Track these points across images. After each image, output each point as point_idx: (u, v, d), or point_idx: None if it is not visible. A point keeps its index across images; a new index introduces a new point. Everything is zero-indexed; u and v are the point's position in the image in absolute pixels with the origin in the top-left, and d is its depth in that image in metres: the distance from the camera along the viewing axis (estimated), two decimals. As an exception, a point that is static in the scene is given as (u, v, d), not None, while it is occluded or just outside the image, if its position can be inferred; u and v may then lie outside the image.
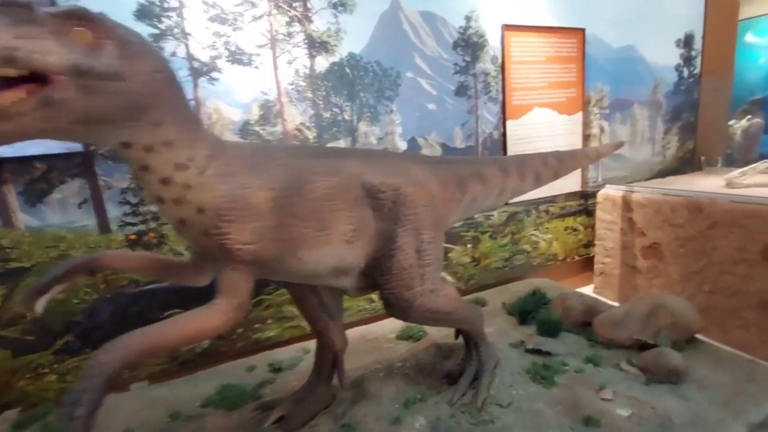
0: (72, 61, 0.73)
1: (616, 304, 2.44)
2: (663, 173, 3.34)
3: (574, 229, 3.06)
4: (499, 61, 2.52)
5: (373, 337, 2.12)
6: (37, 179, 1.71)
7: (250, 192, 1.00)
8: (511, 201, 2.72)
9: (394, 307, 1.29)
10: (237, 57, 1.90)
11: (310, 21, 2.01)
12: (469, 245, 2.63)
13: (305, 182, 1.09)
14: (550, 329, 2.01)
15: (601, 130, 3.02)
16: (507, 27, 2.49)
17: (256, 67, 1.93)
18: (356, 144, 2.21)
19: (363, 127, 2.21)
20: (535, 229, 2.89)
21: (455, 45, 2.39)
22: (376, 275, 1.26)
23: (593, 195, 3.02)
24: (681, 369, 1.63)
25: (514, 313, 2.24)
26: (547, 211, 2.92)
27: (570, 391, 1.59)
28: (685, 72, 3.36)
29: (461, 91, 2.44)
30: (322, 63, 2.07)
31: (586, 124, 2.92)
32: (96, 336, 1.85)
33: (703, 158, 3.53)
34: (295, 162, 1.12)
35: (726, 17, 3.49)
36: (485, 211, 2.62)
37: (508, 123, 2.60)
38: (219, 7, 1.84)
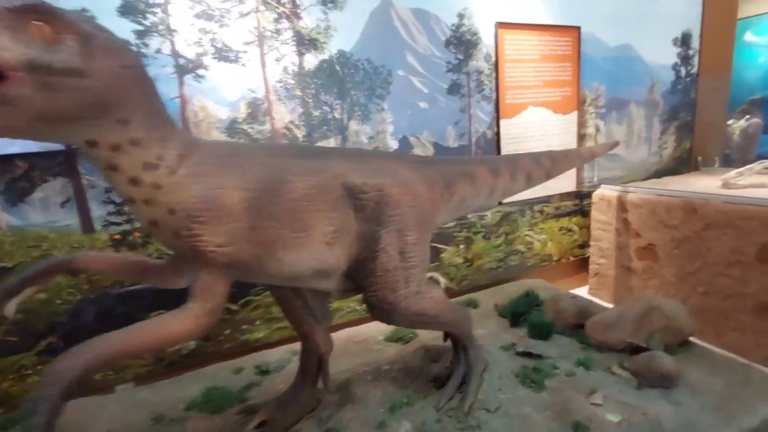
0: (28, 56, 0.70)
1: (610, 305, 2.41)
2: (659, 173, 3.31)
3: (569, 230, 3.03)
4: (493, 59, 2.49)
5: (362, 338, 2.10)
6: (19, 178, 1.68)
7: (224, 192, 0.97)
8: (505, 201, 2.70)
9: (377, 310, 1.26)
10: (224, 54, 1.86)
11: (298, 18, 1.97)
12: (462, 246, 2.60)
13: (283, 182, 1.06)
14: (542, 331, 1.99)
15: (597, 129, 2.99)
16: (501, 25, 2.45)
17: (244, 65, 1.90)
18: (347, 143, 2.18)
19: (353, 125, 2.18)
20: (529, 230, 2.86)
21: (448, 43, 2.35)
22: (359, 278, 1.23)
23: (588, 195, 2.98)
24: (673, 373, 1.60)
25: (506, 315, 2.21)
26: (541, 212, 2.89)
27: (559, 396, 1.57)
28: (683, 71, 3.32)
29: (454, 89, 2.41)
30: (312, 60, 2.03)
31: (582, 124, 2.89)
32: (80, 337, 1.79)
33: (700, 158, 3.50)
34: (273, 161, 1.09)
35: (724, 15, 3.46)
36: (476, 212, 2.59)
37: (502, 122, 2.56)
38: (205, 4, 1.81)
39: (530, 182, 1.87)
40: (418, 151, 2.36)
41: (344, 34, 2.08)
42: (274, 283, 1.19)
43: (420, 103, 2.33)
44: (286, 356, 1.99)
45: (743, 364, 1.71)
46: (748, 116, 4.52)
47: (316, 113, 2.08)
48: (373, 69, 2.18)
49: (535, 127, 2.70)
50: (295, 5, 1.96)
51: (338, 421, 1.47)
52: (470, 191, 1.59)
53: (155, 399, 1.79)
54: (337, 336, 2.18)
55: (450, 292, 2.59)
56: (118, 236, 1.83)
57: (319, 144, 2.11)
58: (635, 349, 1.79)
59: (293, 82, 2.01)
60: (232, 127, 1.92)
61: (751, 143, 4.47)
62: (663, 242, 2.47)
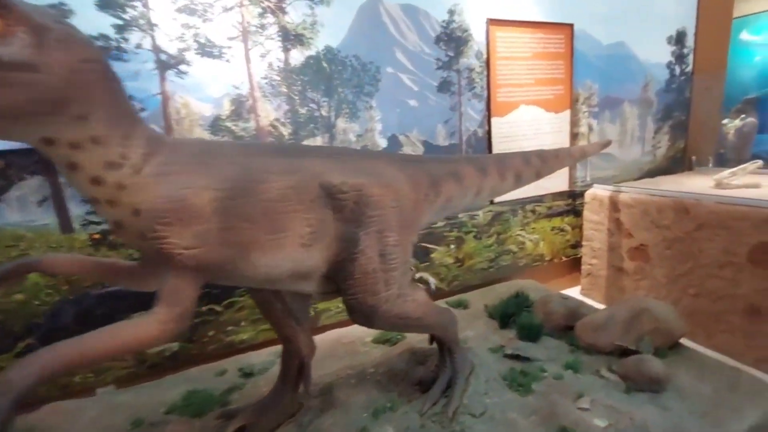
0: None
1: (602, 306, 2.38)
2: (653, 173, 3.29)
3: (562, 230, 3.01)
4: (484, 56, 2.45)
5: (350, 340, 2.06)
6: (-6, 176, 1.63)
7: (192, 192, 0.93)
8: (497, 200, 2.67)
9: (357, 314, 1.23)
10: (207, 49, 1.82)
11: (284, 12, 1.93)
12: (452, 245, 2.57)
13: (257, 182, 1.02)
14: (531, 333, 1.96)
15: (590, 128, 2.96)
16: (492, 21, 2.42)
17: (228, 61, 1.86)
18: (334, 141, 2.14)
19: (341, 123, 2.14)
20: (521, 229, 2.83)
21: (438, 39, 2.31)
22: (339, 280, 1.20)
23: (581, 195, 2.96)
24: (662, 377, 1.58)
25: (495, 317, 2.18)
26: (533, 211, 2.86)
27: (546, 400, 1.54)
28: (677, 70, 3.29)
29: (444, 87, 2.37)
30: (298, 57, 1.99)
31: (574, 123, 2.86)
32: (59, 338, 1.76)
33: (694, 158, 3.47)
34: (247, 160, 1.05)
35: (720, 14, 3.43)
36: (464, 212, 2.55)
37: (494, 120, 2.53)
38: (187, -3, 1.76)
39: (520, 182, 1.83)
40: (407, 149, 2.32)
41: (331, 30, 2.03)
42: (250, 285, 1.16)
43: (409, 100, 2.29)
44: (271, 358, 1.96)
45: (733, 367, 1.69)
46: (743, 115, 4.50)
47: (303, 111, 2.04)
48: (362, 66, 2.14)
49: (527, 126, 2.66)
50: (280, 0, 1.91)
51: (319, 427, 1.44)
52: (457, 191, 1.56)
53: (136, 402, 1.75)
54: (325, 337, 2.15)
55: (440, 293, 2.57)
56: (97, 236, 1.78)
57: (306, 142, 2.07)
58: (624, 352, 1.77)
59: (279, 78, 1.97)
60: (215, 124, 1.88)
61: (745, 143, 4.45)
62: (655, 243, 2.44)
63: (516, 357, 1.82)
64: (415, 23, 2.24)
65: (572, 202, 3.01)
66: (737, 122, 4.49)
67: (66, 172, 0.87)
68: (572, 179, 2.95)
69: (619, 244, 2.68)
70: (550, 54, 2.66)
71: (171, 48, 1.77)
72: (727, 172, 2.55)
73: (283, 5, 1.92)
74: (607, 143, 2.37)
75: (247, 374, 1.87)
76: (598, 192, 2.79)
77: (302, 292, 1.27)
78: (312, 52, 2.01)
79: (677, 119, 3.39)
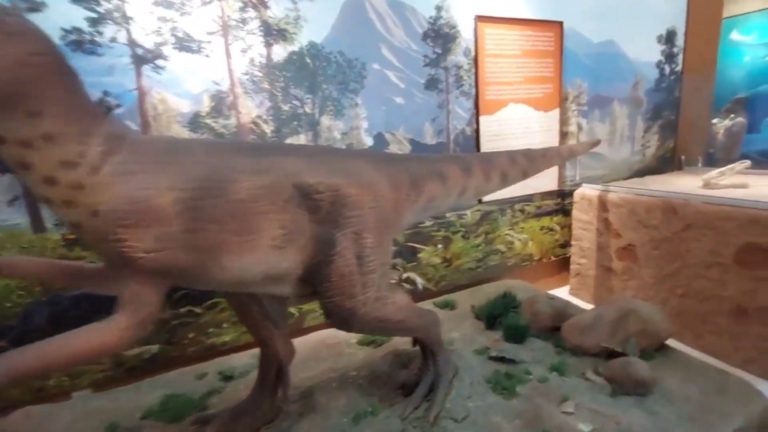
0: None
1: (590, 306, 2.37)
2: (642, 172, 3.28)
3: (551, 229, 2.99)
4: (472, 53, 2.41)
5: (335, 341, 2.02)
6: (-38, 174, 1.57)
7: (155, 193, 0.88)
8: (485, 200, 2.64)
9: (334, 318, 1.19)
10: (185, 44, 1.76)
11: (266, 7, 1.88)
12: (440, 245, 2.54)
13: (226, 182, 0.98)
14: (517, 335, 1.93)
15: (579, 127, 2.94)
16: (480, 18, 2.38)
17: (207, 56, 1.80)
18: (318, 139, 2.09)
19: (326, 121, 2.09)
20: (510, 229, 2.81)
21: (425, 36, 2.27)
22: (315, 283, 1.16)
23: (570, 194, 2.94)
24: (648, 380, 1.56)
25: (482, 317, 2.15)
26: (522, 211, 2.84)
27: (531, 403, 1.51)
28: (667, 69, 3.28)
29: (431, 84, 2.33)
30: (280, 52, 1.94)
31: (564, 121, 2.84)
32: (31, 341, 1.72)
33: (683, 157, 3.47)
34: (216, 159, 1.01)
35: (710, 13, 3.42)
36: (448, 212, 2.51)
37: (482, 119, 2.50)
38: (164, -10, 1.70)
39: (506, 181, 1.81)
40: (394, 148, 2.28)
41: (315, 25, 1.99)
42: (222, 289, 1.11)
43: (396, 98, 2.25)
44: (252, 361, 1.91)
45: (719, 370, 1.67)
46: (732, 115, 4.51)
47: (286, 108, 2.00)
48: (347, 62, 2.09)
49: (516, 125, 2.63)
50: (262, -7, 1.86)
51: (297, 432, 1.40)
52: (440, 191, 1.53)
53: (111, 407, 1.70)
54: (309, 339, 2.11)
55: (428, 293, 2.54)
56: (71, 236, 1.73)
57: (290, 140, 2.03)
58: (611, 354, 1.75)
59: (261, 74, 1.92)
60: (194, 121, 1.83)
61: (735, 142, 4.46)
62: (642, 243, 2.43)
63: (501, 359, 1.80)
64: (402, 19, 2.20)
65: (561, 202, 2.99)
66: (727, 122, 4.50)
67: (18, 172, 0.82)
68: (561, 178, 2.93)
69: (607, 243, 2.66)
70: (539, 52, 2.63)
71: (147, 42, 1.71)
72: (715, 171, 2.54)
73: (265, -1, 1.87)
74: (596, 142, 2.35)
75: (227, 377, 1.82)
76: (587, 191, 2.78)
77: (278, 295, 1.23)
78: (295, 47, 1.96)
79: (667, 119, 3.38)
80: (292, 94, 2.00)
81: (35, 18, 1.56)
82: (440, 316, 2.22)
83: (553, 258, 3.06)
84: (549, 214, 2.96)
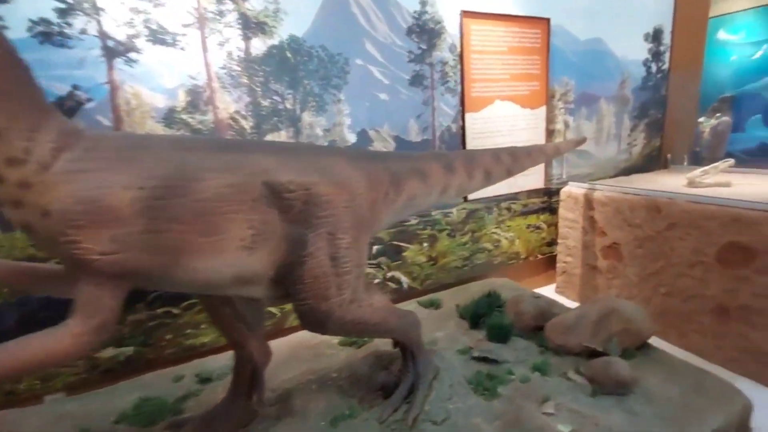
0: None
1: (576, 304, 2.36)
2: (628, 171, 3.28)
3: (537, 227, 2.98)
4: (458, 49, 2.38)
5: (316, 342, 1.99)
6: None
7: (110, 192, 0.84)
8: (471, 198, 2.61)
9: (308, 320, 1.16)
10: (159, 37, 1.71)
11: (244, -1, 1.83)
12: (425, 244, 2.51)
13: (190, 180, 0.93)
14: (500, 334, 1.92)
15: (566, 125, 2.92)
16: (466, 13, 2.35)
17: (182, 49, 1.75)
18: (300, 135, 2.05)
19: (307, 117, 2.05)
20: (496, 227, 2.79)
21: (409, 31, 2.23)
22: (288, 284, 1.12)
23: (557, 192, 2.93)
24: (628, 380, 1.55)
25: (466, 317, 2.13)
26: (509, 209, 2.82)
27: (512, 404, 1.50)
28: (654, 67, 3.28)
29: (416, 80, 2.29)
30: (259, 46, 1.89)
31: (550, 119, 2.82)
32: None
33: (669, 156, 3.48)
34: (181, 157, 0.96)
35: (696, 12, 3.43)
36: (431, 209, 2.48)
37: (467, 116, 2.47)
38: (137, -20, 1.64)
39: (489, 180, 1.78)
40: (378, 145, 2.25)
41: (296, 19, 1.94)
42: (189, 291, 1.07)
43: (380, 94, 2.21)
44: (232, 363, 1.86)
45: (700, 369, 1.67)
46: (719, 114, 4.54)
47: (266, 103, 1.95)
48: (329, 57, 2.05)
49: (502, 122, 2.61)
50: (240, -15, 1.81)
51: (273, 437, 1.37)
52: (421, 189, 1.49)
53: (84, 410, 1.66)
54: (290, 339, 2.08)
55: (413, 292, 2.51)
56: (40, 235, 1.66)
57: (270, 137, 1.98)
58: (593, 353, 1.74)
59: (239, 68, 1.87)
60: (169, 116, 1.77)
61: (720, 141, 4.49)
62: (627, 241, 2.42)
63: (484, 359, 1.78)
64: (386, 13, 2.16)
65: (548, 200, 2.98)
66: (713, 121, 4.53)
67: None
68: (548, 176, 2.92)
69: (593, 242, 2.66)
70: (525, 49, 2.60)
71: (119, 34, 1.65)
72: (699, 170, 2.54)
73: (243, -9, 1.82)
74: (582, 140, 2.33)
75: (204, 380, 1.78)
76: (573, 190, 2.77)
77: (250, 297, 1.19)
78: (275, 41, 1.91)
79: (653, 117, 3.39)
80: (272, 89, 1.95)
81: (2, 9, 1.50)
82: (425, 316, 2.23)
83: (539, 256, 3.05)
84: (536, 212, 2.95)
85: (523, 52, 2.60)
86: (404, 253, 2.45)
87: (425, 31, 2.27)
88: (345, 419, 1.42)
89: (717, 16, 4.84)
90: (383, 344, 1.87)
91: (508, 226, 2.84)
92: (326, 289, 1.11)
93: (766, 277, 1.84)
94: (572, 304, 2.29)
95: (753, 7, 4.99)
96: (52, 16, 1.56)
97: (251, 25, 1.86)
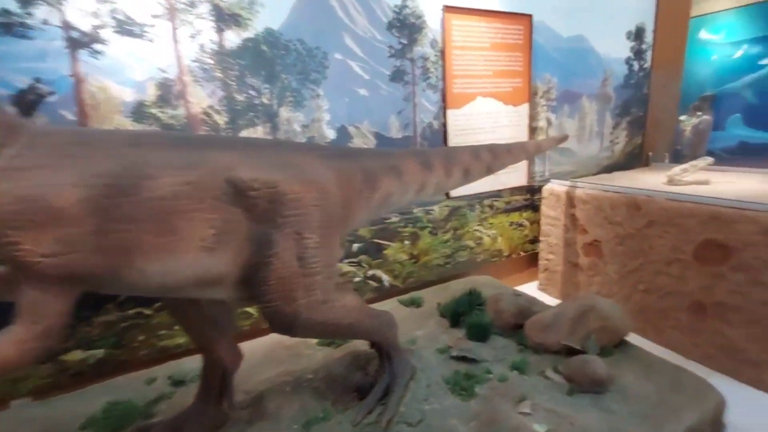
0: None
1: (558, 302, 2.36)
2: (610, 168, 3.30)
3: (520, 225, 2.97)
4: (440, 45, 2.35)
5: (293, 342, 1.95)
6: None
7: (52, 191, 0.79)
8: (454, 195, 2.60)
9: (275, 323, 1.12)
10: (126, 27, 1.64)
11: (217, -10, 1.77)
12: (407, 241, 2.49)
13: (142, 177, 0.89)
14: (480, 333, 1.90)
15: (549, 122, 2.92)
16: (448, 9, 2.32)
17: (151, 40, 1.69)
18: (277, 131, 2.00)
19: (285, 112, 2.00)
20: (479, 225, 2.78)
21: (390, 25, 2.20)
22: (253, 286, 1.08)
23: (540, 190, 2.92)
24: (605, 378, 1.55)
25: (446, 315, 2.12)
26: (491, 206, 2.81)
27: (488, 404, 1.48)
28: (636, 65, 3.30)
29: (397, 76, 2.26)
30: (234, 39, 1.83)
31: (533, 116, 2.81)
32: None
33: (650, 154, 3.51)
34: (136, 153, 0.91)
35: (677, 11, 3.45)
36: (408, 207, 2.44)
37: (449, 112, 2.44)
38: (102, -32, 1.58)
39: (468, 177, 1.76)
40: (358, 141, 2.21)
41: (272, 11, 1.89)
42: (148, 295, 1.03)
43: (360, 90, 2.17)
44: (205, 365, 1.83)
45: (676, 366, 1.68)
46: (699, 113, 4.59)
47: (241, 98, 1.89)
48: (307, 51, 2.00)
49: (485, 119, 2.59)
50: (212, -25, 1.75)
51: (243, 442, 1.33)
52: (397, 187, 1.46)
53: (51, 415, 1.60)
54: (267, 340, 2.03)
55: (394, 290, 2.49)
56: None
57: (245, 132, 1.93)
58: (571, 351, 1.73)
59: (212, 62, 1.81)
60: (138, 110, 1.71)
61: (701, 140, 4.54)
62: (608, 239, 2.43)
63: (463, 358, 1.76)
64: (365, 7, 2.12)
65: (531, 197, 2.97)
66: (694, 119, 4.58)
67: None
68: (531, 174, 2.92)
69: (574, 239, 2.66)
70: (508, 45, 2.59)
71: (83, 25, 1.58)
72: (678, 168, 2.56)
73: (216, -19, 1.76)
74: (564, 138, 2.33)
75: (178, 382, 1.73)
76: (555, 187, 2.77)
77: (216, 299, 1.15)
78: (250, 34, 1.86)
79: (635, 115, 3.41)
80: (247, 83, 1.90)
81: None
82: (405, 314, 2.21)
83: (522, 253, 3.05)
84: (518, 209, 2.94)
85: (506, 49, 2.58)
86: (385, 251, 2.43)
87: (406, 25, 2.24)
88: (318, 422, 1.39)
89: (698, 16, 4.89)
90: (361, 344, 1.84)
91: (491, 224, 2.83)
92: (292, 291, 1.07)
93: (740, 274, 1.86)
94: (554, 302, 2.30)
95: (734, 8, 5.06)
96: (13, 6, 1.49)
97: (225, 17, 1.80)
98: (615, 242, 2.39)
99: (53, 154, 0.82)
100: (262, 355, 1.88)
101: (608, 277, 2.46)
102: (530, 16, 2.63)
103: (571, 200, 2.65)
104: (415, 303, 2.34)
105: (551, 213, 2.80)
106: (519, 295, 2.21)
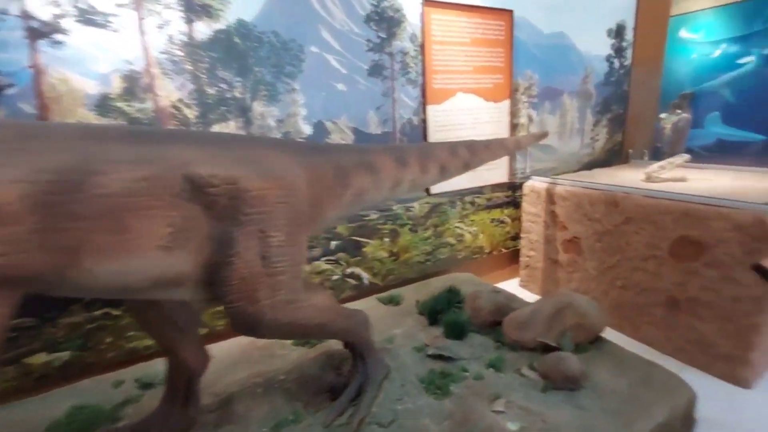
0: None
1: (537, 298, 2.36)
2: (591, 165, 3.32)
3: (501, 221, 2.97)
4: (419, 39, 2.32)
5: (267, 343, 1.91)
6: None
7: None
8: (434, 191, 2.58)
9: (238, 324, 1.08)
10: (88, 17, 1.57)
11: (186, -21, 1.71)
12: (386, 239, 2.46)
13: (92, 173, 0.84)
14: (456, 331, 1.89)
15: (530, 119, 2.92)
16: (427, 2, 2.29)
17: (116, 31, 1.62)
18: (251, 126, 1.95)
19: (258, 107, 1.95)
20: (460, 221, 2.76)
21: (368, 19, 2.16)
22: (215, 286, 1.04)
23: (521, 186, 2.92)
24: (578, 375, 1.55)
25: (425, 313, 2.10)
26: (473, 203, 2.80)
27: (463, 404, 1.47)
28: (616, 63, 3.32)
29: (375, 71, 2.22)
30: (204, 30, 1.78)
31: (514, 113, 2.80)
32: None
33: (630, 151, 3.54)
34: (86, 148, 0.87)
35: (658, 9, 3.48)
36: (388, 204, 2.42)
37: (429, 108, 2.42)
38: (62, -46, 1.50)
39: (445, 174, 1.74)
40: (336, 137, 2.17)
41: (244, 2, 1.83)
42: (102, 296, 0.98)
43: (337, 84, 2.13)
44: (175, 366, 1.78)
45: (648, 362, 1.69)
46: (679, 111, 4.66)
47: (212, 91, 1.84)
48: (281, 43, 1.95)
49: (465, 115, 2.57)
50: (181, -36, 1.69)
51: (209, 446, 1.29)
52: (370, 183, 1.43)
53: (14, 420, 1.54)
54: (240, 340, 1.98)
55: (374, 288, 2.46)
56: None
57: (217, 127, 1.87)
58: (547, 348, 1.73)
59: (181, 53, 1.75)
60: (103, 104, 1.64)
61: (680, 137, 4.60)
62: (586, 235, 2.44)
63: (439, 357, 1.75)
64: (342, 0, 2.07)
65: (512, 194, 2.97)
66: (673, 117, 4.64)
67: None
68: (512, 171, 2.91)
69: (554, 236, 2.67)
70: (489, 41, 2.57)
71: (43, 14, 1.51)
72: (656, 165, 2.58)
73: (184, -30, 1.69)
74: (544, 134, 2.33)
75: (146, 385, 1.68)
76: (536, 184, 2.77)
77: (178, 299, 1.11)
78: (221, 25, 1.80)
79: (615, 112, 3.43)
80: (219, 76, 1.84)
81: None
82: (384, 312, 2.19)
83: (503, 250, 3.05)
84: (500, 206, 2.94)
85: (487, 44, 2.56)
86: (364, 249, 2.40)
87: (384, 19, 2.20)
88: (288, 424, 1.36)
89: (678, 15, 4.96)
90: (336, 344, 1.81)
91: (472, 221, 2.83)
92: (256, 291, 1.04)
93: (713, 270, 1.88)
94: (535, 298, 2.29)
95: (713, 7, 5.13)
96: (-34, -8, 1.41)
97: (195, 8, 1.74)
98: (594, 239, 2.40)
99: (-6, 148, 0.77)
100: (235, 356, 1.84)
101: (587, 274, 2.47)
102: (511, 11, 2.61)
103: (551, 197, 2.65)
104: (394, 301, 2.31)
105: (532, 210, 2.80)
106: (498, 292, 2.20)
